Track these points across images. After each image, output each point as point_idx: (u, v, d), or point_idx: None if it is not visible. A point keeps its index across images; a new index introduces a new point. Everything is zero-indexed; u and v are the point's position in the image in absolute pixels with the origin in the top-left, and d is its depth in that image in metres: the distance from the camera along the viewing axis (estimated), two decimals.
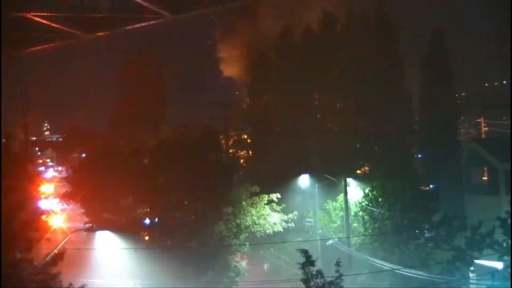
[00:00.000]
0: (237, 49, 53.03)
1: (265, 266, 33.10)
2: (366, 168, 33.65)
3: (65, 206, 34.29)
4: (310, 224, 30.16)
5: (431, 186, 32.92)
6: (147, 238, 28.04)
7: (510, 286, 16.23)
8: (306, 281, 16.04)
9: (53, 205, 33.09)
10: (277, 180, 29.73)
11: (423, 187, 30.14)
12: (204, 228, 25.82)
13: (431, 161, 34.28)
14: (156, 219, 27.89)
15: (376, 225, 25.50)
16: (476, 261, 19.93)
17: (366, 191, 26.60)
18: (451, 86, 35.13)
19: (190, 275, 25.45)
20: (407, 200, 25.02)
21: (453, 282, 20.49)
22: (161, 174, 27.57)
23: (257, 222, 27.08)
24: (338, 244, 26.49)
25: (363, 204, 26.45)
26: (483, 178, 31.54)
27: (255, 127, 38.42)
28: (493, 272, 17.68)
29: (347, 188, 27.13)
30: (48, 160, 73.81)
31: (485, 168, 30.17)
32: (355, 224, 27.12)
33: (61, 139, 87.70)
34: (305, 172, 30.19)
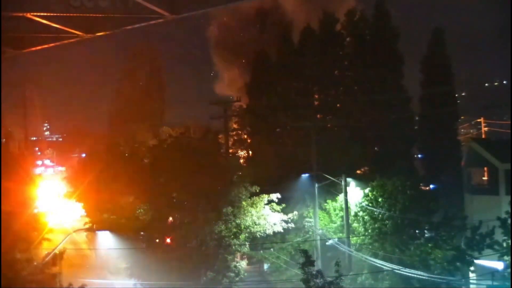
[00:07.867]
0: (237, 49, 53.03)
1: (265, 266, 33.08)
2: (366, 168, 33.59)
3: (65, 206, 34.33)
4: (310, 224, 30.13)
5: (431, 186, 32.89)
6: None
7: (510, 286, 16.24)
8: (306, 281, 16.08)
9: (53, 205, 33.10)
10: (277, 180, 29.70)
11: (423, 187, 30.09)
12: (204, 228, 25.80)
13: (431, 161, 34.26)
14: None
15: (376, 225, 25.45)
16: (476, 261, 19.93)
17: (366, 191, 26.56)
18: (451, 86, 35.08)
19: (190, 275, 25.45)
20: (407, 200, 24.97)
21: (453, 282, 20.52)
22: (161, 174, 27.55)
23: (257, 222, 27.07)
24: (338, 244, 26.49)
25: (363, 204, 26.41)
26: (483, 178, 31.52)
27: (255, 127, 38.38)
28: (493, 272, 17.70)
29: (347, 188, 27.11)
30: (48, 160, 73.81)
31: (485, 168, 30.14)
32: (355, 224, 27.08)
33: (61, 139, 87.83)
34: (305, 172, 30.15)
